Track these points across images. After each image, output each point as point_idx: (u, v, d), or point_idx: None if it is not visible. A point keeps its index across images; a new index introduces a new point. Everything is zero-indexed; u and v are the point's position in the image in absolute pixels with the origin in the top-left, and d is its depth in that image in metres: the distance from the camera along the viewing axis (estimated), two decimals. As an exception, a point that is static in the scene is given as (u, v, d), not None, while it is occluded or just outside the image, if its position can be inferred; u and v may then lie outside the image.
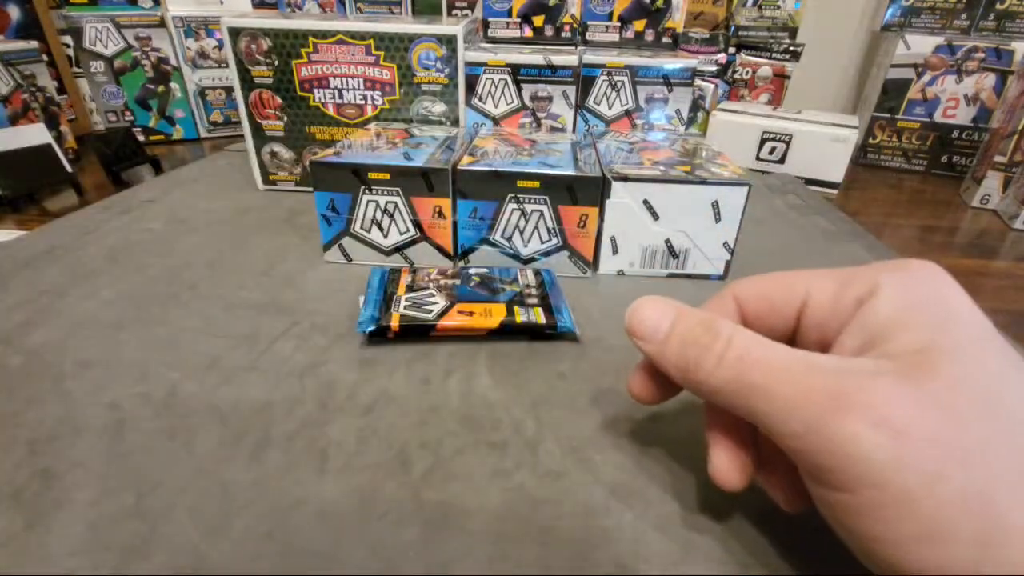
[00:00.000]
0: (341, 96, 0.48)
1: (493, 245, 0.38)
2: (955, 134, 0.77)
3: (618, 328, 0.27)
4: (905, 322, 0.15)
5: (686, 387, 0.18)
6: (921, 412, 0.13)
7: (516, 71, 0.49)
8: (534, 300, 0.32)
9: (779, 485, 0.19)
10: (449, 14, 0.66)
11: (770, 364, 0.15)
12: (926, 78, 0.76)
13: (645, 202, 0.36)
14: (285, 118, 0.50)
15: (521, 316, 0.30)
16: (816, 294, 0.17)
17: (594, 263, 0.38)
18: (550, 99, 0.50)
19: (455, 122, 0.50)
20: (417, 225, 0.37)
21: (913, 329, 0.15)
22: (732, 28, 0.79)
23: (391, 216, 0.37)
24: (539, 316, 0.31)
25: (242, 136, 0.51)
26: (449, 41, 0.46)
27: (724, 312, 0.19)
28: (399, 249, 0.39)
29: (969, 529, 0.12)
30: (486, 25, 0.59)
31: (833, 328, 0.17)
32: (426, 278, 0.34)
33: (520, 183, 0.35)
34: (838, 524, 0.15)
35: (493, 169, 0.35)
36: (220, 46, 0.78)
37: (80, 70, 0.77)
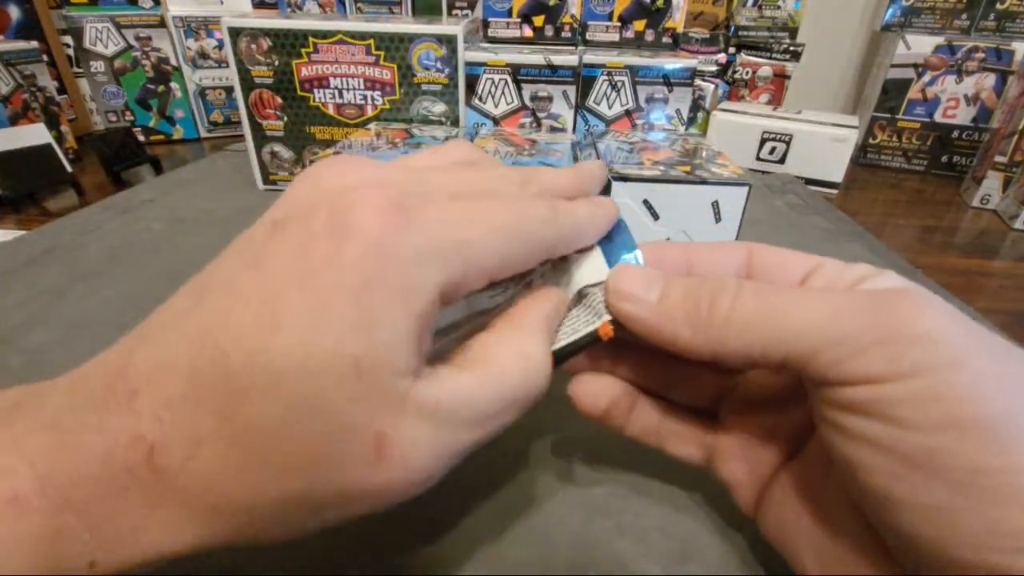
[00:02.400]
0: (341, 96, 0.48)
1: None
2: (955, 134, 0.77)
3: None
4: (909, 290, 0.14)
5: (689, 342, 0.15)
6: (965, 319, 0.13)
7: (516, 71, 0.49)
8: None
9: (744, 481, 0.18)
10: (449, 14, 0.66)
11: (794, 289, 0.15)
12: (926, 78, 0.76)
13: (645, 202, 0.36)
14: (285, 118, 0.50)
15: None
16: (827, 264, 0.16)
17: (594, 263, 0.38)
18: (550, 99, 0.50)
19: (455, 122, 0.50)
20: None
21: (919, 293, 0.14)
22: (732, 28, 0.79)
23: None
24: None
25: (242, 136, 0.51)
26: (449, 41, 0.46)
27: (733, 257, 0.18)
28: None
29: None
30: (486, 25, 0.59)
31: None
32: None
33: (520, 183, 0.35)
34: (870, 441, 0.13)
35: (493, 169, 0.35)
36: (220, 46, 0.78)
37: (80, 70, 0.77)
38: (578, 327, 0.17)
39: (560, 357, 0.17)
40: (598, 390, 0.18)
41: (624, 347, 0.19)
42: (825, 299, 0.14)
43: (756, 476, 0.18)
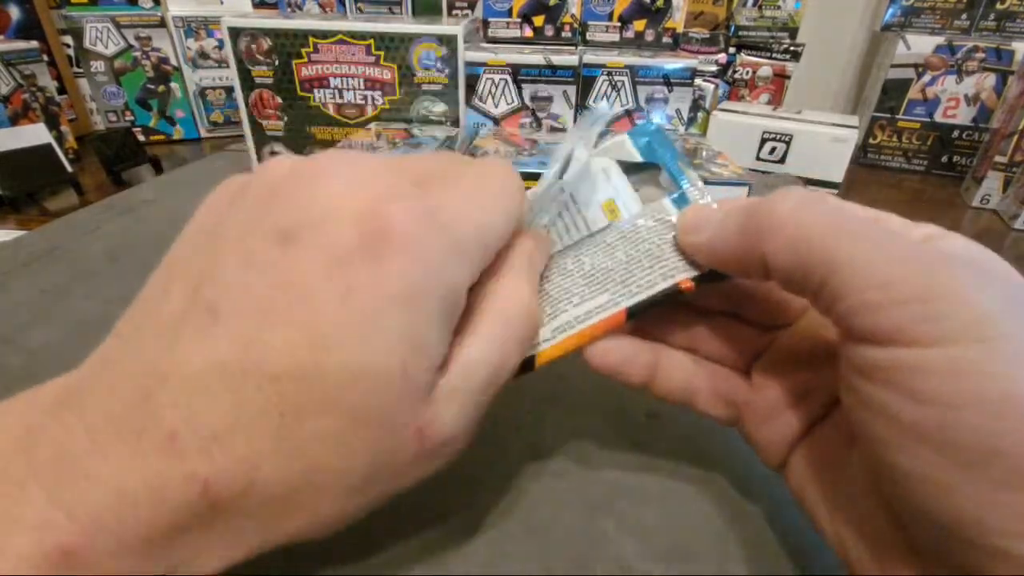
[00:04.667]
0: (341, 96, 0.48)
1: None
2: (955, 134, 0.77)
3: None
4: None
5: (740, 256, 0.15)
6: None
7: (516, 71, 0.49)
8: None
9: (770, 442, 0.18)
10: (449, 14, 0.66)
11: (863, 217, 0.14)
12: (926, 78, 0.76)
13: (645, 202, 0.36)
14: (285, 118, 0.50)
15: None
16: (892, 218, 0.15)
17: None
18: (550, 99, 0.50)
19: (455, 122, 0.50)
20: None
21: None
22: (732, 28, 0.79)
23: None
24: None
25: (242, 136, 0.51)
26: (449, 41, 0.46)
27: None
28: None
29: None
30: (486, 25, 0.59)
31: None
32: None
33: (520, 183, 0.35)
34: (884, 412, 0.12)
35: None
36: (220, 46, 0.78)
37: (80, 70, 0.77)
38: (653, 280, 0.17)
39: (636, 311, 0.17)
40: (608, 347, 0.18)
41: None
42: (886, 237, 0.13)
43: (782, 438, 0.17)
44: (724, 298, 0.19)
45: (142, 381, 0.12)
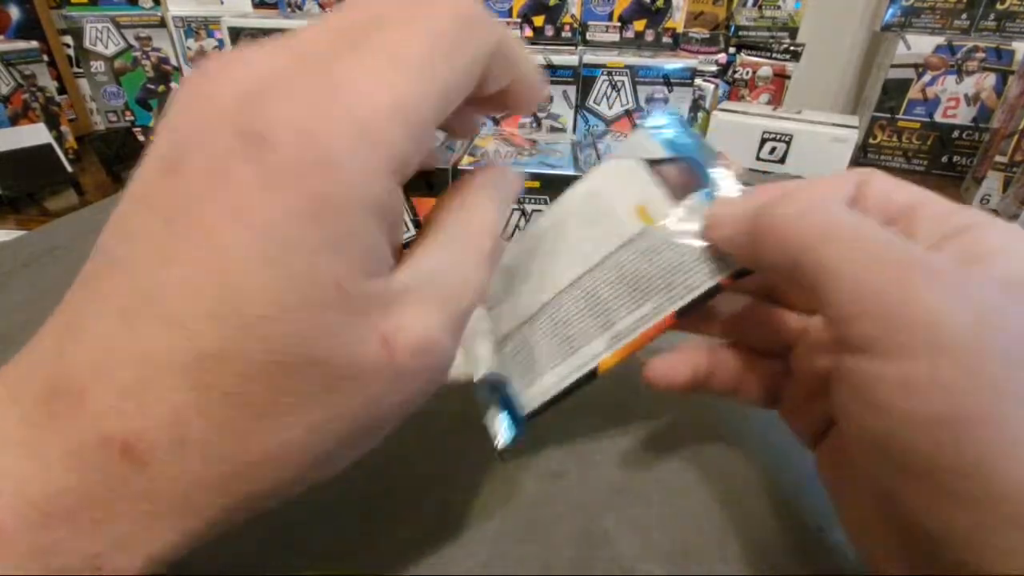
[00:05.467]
0: (341, 96, 0.48)
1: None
2: (955, 134, 0.77)
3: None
4: (1012, 252, 0.12)
5: (751, 255, 0.16)
6: (1015, 303, 0.11)
7: (516, 71, 0.49)
8: None
9: (804, 428, 0.19)
10: (449, 14, 0.66)
11: (857, 227, 0.13)
12: (926, 78, 0.76)
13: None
14: (285, 118, 0.50)
15: None
16: (932, 204, 0.15)
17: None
18: (550, 99, 0.50)
19: (455, 122, 0.50)
20: (417, 225, 0.38)
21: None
22: (732, 28, 0.79)
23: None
24: None
25: (242, 136, 0.51)
26: (449, 41, 0.46)
27: (839, 189, 0.16)
28: (399, 249, 0.39)
29: None
30: (486, 25, 0.59)
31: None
32: None
33: (520, 183, 0.35)
34: (866, 410, 0.12)
35: (493, 169, 0.35)
36: (220, 46, 0.78)
37: (80, 70, 0.77)
38: (696, 281, 0.18)
39: (684, 311, 0.18)
40: (666, 371, 0.19)
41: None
42: (873, 247, 0.12)
43: (815, 424, 0.18)
44: (759, 282, 0.19)
45: (58, 337, 0.12)
